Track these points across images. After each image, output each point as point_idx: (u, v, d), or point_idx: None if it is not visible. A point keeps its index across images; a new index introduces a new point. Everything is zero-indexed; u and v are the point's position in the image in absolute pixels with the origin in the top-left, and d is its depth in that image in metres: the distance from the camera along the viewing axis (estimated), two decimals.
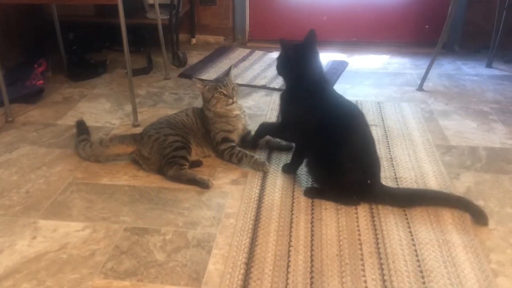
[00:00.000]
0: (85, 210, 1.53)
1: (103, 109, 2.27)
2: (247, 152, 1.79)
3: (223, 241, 1.38)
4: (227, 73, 1.89)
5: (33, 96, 2.35)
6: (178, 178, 1.67)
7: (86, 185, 1.67)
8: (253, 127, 1.94)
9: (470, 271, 1.26)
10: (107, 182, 1.69)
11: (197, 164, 1.78)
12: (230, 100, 1.80)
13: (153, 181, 1.69)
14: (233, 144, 1.81)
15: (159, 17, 2.57)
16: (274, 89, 2.52)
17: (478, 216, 1.46)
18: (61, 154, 1.87)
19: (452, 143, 1.94)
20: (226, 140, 1.81)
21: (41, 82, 2.42)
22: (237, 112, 1.85)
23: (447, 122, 2.11)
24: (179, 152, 1.70)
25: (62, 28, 2.74)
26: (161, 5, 2.74)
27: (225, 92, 1.79)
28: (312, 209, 1.52)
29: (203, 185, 1.64)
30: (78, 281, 1.23)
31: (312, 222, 1.46)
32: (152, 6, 2.80)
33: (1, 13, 2.63)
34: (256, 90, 2.52)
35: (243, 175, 1.72)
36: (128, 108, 2.21)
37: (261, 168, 1.74)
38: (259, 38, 3.32)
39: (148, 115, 2.19)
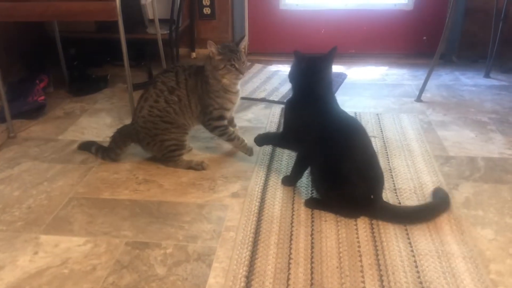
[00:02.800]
0: (86, 224, 1.54)
1: (104, 124, 2.29)
2: (239, 135, 1.90)
3: (223, 254, 1.39)
4: (238, 42, 1.85)
5: (35, 112, 2.37)
6: (176, 167, 1.86)
7: (87, 199, 1.68)
8: (253, 139, 1.96)
9: (469, 282, 1.26)
10: (108, 196, 1.70)
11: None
12: (240, 75, 1.81)
13: (154, 195, 1.70)
14: (225, 123, 1.88)
15: (159, 32, 2.61)
16: (273, 101, 2.54)
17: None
18: (62, 169, 1.88)
19: (451, 154, 1.94)
20: (221, 118, 1.86)
21: (42, 98, 2.45)
22: (238, 88, 1.87)
23: (445, 133, 2.13)
24: (175, 152, 1.86)
25: (64, 44, 2.77)
26: (161, 20, 2.77)
27: (237, 66, 1.78)
28: (312, 221, 1.53)
29: (199, 169, 1.84)
30: None
31: (312, 235, 1.46)
32: (152, 21, 2.83)
33: (3, 29, 2.66)
34: (255, 103, 2.54)
35: (243, 188, 1.73)
36: (129, 122, 2.23)
37: (248, 153, 1.88)
38: (259, 52, 3.35)
39: None
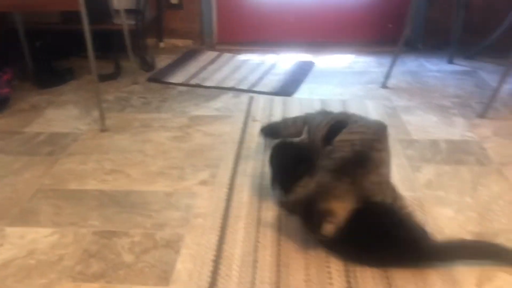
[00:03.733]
0: (53, 216, 1.53)
1: (70, 116, 2.26)
2: None
3: (191, 240, 1.40)
4: None
5: None
6: None
7: (54, 191, 1.66)
8: (222, 128, 1.98)
9: None
10: (75, 187, 1.68)
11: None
12: None
13: (122, 185, 1.69)
14: None
15: (125, 23, 2.58)
16: (242, 90, 2.55)
17: None
18: (28, 161, 1.86)
19: (414, 137, 1.99)
20: None
21: (7, 90, 2.40)
22: None
23: (409, 117, 2.18)
24: None
25: (29, 36, 2.72)
26: (127, 11, 2.74)
27: None
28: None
29: None
30: (46, 286, 1.24)
31: (280, 219, 1.49)
32: (118, 11, 2.80)
33: None
34: (225, 91, 2.54)
35: (212, 176, 1.74)
36: (96, 113, 2.21)
37: None
38: (227, 41, 3.34)
39: (116, 120, 2.19)
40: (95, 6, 2.35)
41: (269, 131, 1.92)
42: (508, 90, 2.44)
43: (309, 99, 2.39)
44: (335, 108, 2.26)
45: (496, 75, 2.47)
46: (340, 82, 2.65)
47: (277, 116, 2.20)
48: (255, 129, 2.07)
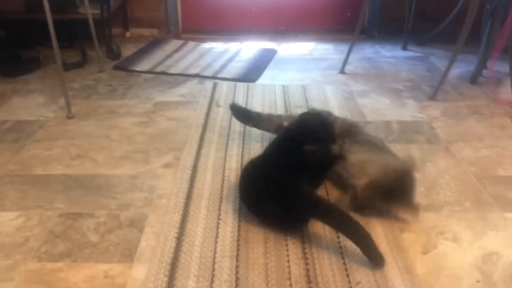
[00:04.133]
0: (18, 200, 1.50)
1: (36, 104, 2.22)
2: None
3: (155, 219, 1.41)
4: None
5: None
6: None
7: (19, 176, 1.64)
8: (186, 113, 1.98)
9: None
10: (41, 172, 1.66)
11: None
12: None
13: (87, 169, 1.68)
14: None
15: (89, 12, 2.53)
16: (206, 77, 2.55)
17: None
18: None
19: (369, 119, 2.04)
20: None
21: None
22: None
23: (365, 101, 2.22)
24: None
25: None
26: (92, 0, 2.68)
27: None
28: None
29: None
30: (11, 267, 1.22)
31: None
32: (82, 1, 2.74)
33: None
34: (189, 78, 2.53)
35: (175, 158, 1.74)
36: (62, 101, 2.17)
37: None
38: (192, 30, 3.32)
39: (83, 107, 2.16)
40: None
41: (240, 112, 1.89)
42: (456, 74, 2.52)
43: (271, 85, 2.41)
44: (296, 93, 2.30)
45: (446, 61, 2.54)
46: (300, 68, 2.68)
47: (240, 101, 2.21)
48: (218, 114, 2.08)
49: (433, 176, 1.62)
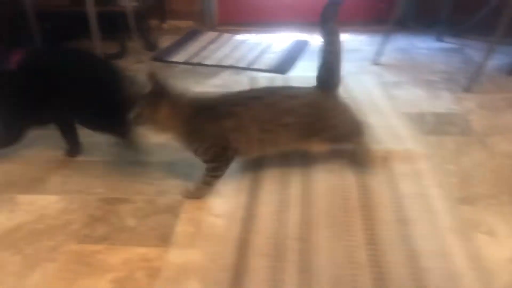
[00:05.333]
0: (60, 184, 1.54)
1: None
2: None
3: (190, 205, 1.41)
4: None
5: None
6: None
7: (61, 162, 1.67)
8: None
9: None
10: (82, 158, 1.69)
11: None
12: None
13: (126, 156, 1.69)
14: None
15: (128, 4, 2.55)
16: (240, 68, 2.53)
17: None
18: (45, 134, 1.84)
19: (403, 110, 1.98)
20: None
21: None
22: None
23: (398, 92, 2.16)
24: None
25: (38, 19, 2.70)
26: None
27: None
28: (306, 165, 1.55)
29: None
30: (55, 247, 1.25)
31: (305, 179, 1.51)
32: None
33: None
34: (224, 70, 2.52)
35: None
36: None
37: None
38: (227, 22, 3.31)
39: None
40: None
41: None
42: (493, 65, 2.41)
43: (309, 77, 2.36)
44: None
45: (482, 52, 2.43)
46: None
47: None
48: None
49: (468, 169, 1.56)
